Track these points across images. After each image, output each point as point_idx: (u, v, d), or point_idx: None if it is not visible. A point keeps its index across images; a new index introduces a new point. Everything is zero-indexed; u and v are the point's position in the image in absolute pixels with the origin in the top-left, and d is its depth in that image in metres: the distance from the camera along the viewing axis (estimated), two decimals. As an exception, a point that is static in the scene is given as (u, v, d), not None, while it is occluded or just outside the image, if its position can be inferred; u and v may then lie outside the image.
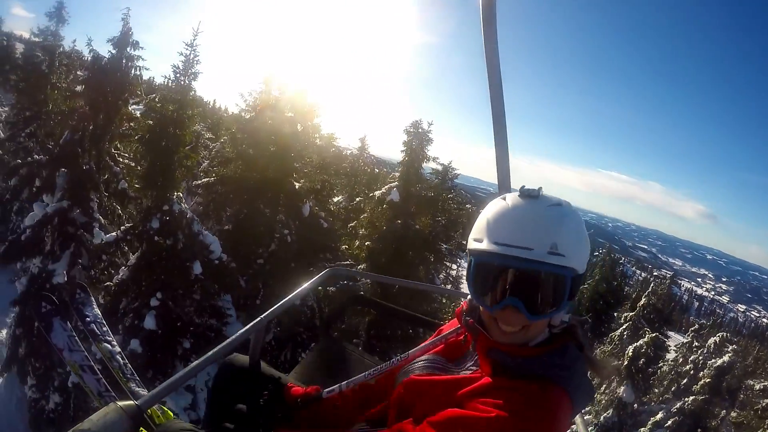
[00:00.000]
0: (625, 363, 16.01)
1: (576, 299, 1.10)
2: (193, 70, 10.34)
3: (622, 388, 15.88)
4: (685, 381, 15.87)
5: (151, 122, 10.21)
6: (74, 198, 11.58)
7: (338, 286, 11.49)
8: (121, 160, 13.74)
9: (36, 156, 15.17)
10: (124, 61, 12.32)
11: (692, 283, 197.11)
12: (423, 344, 1.39)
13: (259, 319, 1.86)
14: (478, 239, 1.08)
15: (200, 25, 10.47)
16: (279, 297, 2.11)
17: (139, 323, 9.57)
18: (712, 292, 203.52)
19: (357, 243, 12.89)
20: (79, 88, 12.96)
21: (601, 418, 16.02)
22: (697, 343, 23.15)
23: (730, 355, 12.63)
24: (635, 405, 16.37)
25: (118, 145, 13.86)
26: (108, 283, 10.49)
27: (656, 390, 21.69)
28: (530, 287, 1.01)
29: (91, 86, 12.21)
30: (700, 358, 15.64)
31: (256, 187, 12.19)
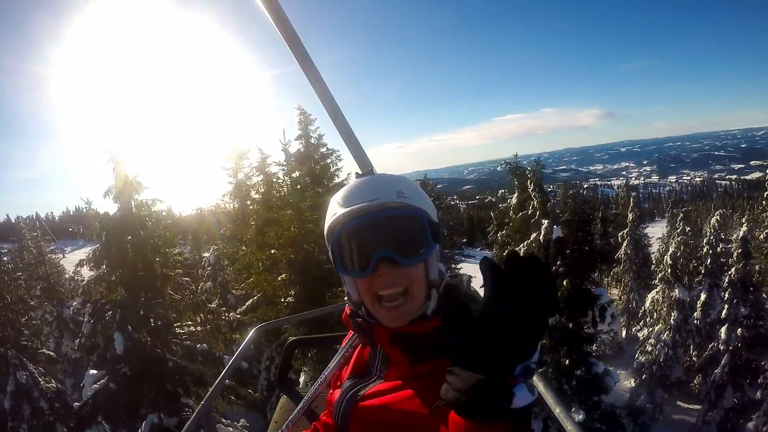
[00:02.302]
0: (669, 270, 18.97)
1: (441, 248, 1.10)
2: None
3: (676, 290, 18.76)
4: (708, 262, 18.97)
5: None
6: (164, 410, 9.60)
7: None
8: (183, 331, 11.81)
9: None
10: (138, 210, 9.96)
11: (620, 178, 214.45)
12: (330, 366, 1.31)
13: (201, 404, 1.82)
14: (332, 215, 1.06)
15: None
16: None
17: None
18: (642, 178, 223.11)
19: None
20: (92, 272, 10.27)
21: (671, 321, 18.77)
22: (688, 228, 26.90)
23: (746, 225, 15.60)
24: (688, 299, 19.30)
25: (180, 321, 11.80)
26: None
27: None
28: (392, 231, 1.00)
29: (115, 262, 9.63)
30: (712, 238, 18.82)
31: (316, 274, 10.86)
